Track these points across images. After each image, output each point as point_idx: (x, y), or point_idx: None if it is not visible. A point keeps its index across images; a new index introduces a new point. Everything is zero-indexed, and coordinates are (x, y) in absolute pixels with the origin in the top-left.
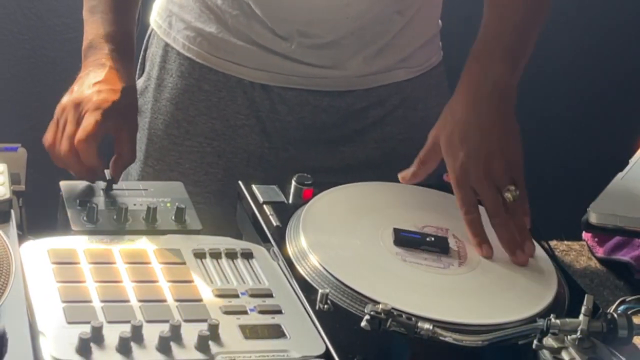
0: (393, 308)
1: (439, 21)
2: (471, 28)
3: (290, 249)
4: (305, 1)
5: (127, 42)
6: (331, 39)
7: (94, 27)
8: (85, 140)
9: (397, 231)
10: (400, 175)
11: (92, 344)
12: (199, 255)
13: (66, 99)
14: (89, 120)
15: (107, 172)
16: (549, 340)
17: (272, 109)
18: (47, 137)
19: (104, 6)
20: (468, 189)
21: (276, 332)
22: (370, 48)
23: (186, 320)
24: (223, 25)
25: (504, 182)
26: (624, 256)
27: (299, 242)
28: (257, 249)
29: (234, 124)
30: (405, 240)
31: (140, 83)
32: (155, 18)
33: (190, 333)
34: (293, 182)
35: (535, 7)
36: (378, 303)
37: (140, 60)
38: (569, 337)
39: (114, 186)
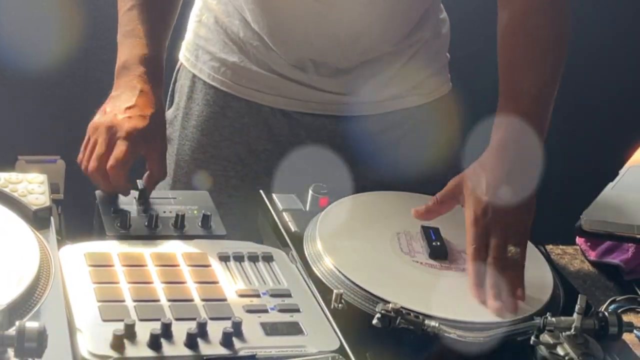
0: (402, 307)
1: (447, 54)
2: (478, 60)
3: (307, 253)
4: (315, 37)
5: (158, 66)
6: (343, 67)
7: (127, 49)
8: (117, 167)
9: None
10: (413, 210)
11: (125, 340)
12: (224, 258)
13: (99, 120)
14: (121, 148)
15: (139, 182)
16: (545, 337)
17: (291, 133)
18: (80, 156)
19: (139, 32)
20: (484, 230)
21: (294, 329)
22: (381, 76)
23: (212, 318)
24: (245, 55)
25: (512, 240)
26: (615, 259)
27: (315, 246)
28: (277, 253)
29: (255, 149)
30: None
31: (169, 114)
32: (184, 52)
33: (216, 330)
34: (310, 191)
35: (554, 62)
36: (388, 302)
37: (169, 93)
38: (563, 333)
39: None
